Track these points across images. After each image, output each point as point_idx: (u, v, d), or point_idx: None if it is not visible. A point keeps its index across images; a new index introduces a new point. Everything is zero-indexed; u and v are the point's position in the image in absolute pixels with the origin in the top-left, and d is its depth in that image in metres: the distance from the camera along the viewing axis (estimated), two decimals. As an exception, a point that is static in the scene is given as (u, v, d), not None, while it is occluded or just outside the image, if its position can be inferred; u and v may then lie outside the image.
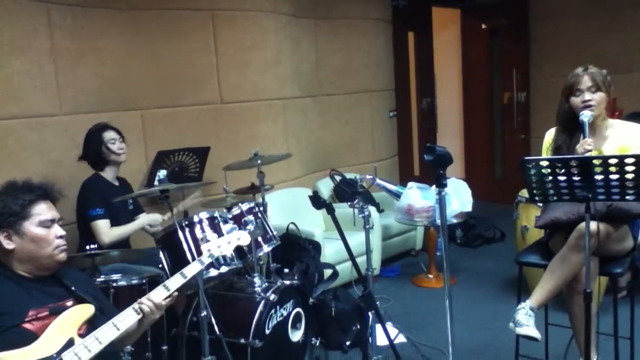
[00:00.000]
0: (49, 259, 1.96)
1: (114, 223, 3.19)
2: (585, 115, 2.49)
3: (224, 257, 2.70)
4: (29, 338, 1.80)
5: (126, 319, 1.91)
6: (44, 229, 1.95)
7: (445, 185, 2.04)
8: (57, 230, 1.98)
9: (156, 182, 2.99)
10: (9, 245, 1.91)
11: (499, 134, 7.07)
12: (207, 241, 2.46)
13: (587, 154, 2.37)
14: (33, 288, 1.93)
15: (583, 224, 2.23)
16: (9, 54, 3.22)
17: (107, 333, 1.85)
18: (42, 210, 1.96)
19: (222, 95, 4.30)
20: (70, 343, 1.82)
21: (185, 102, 4.17)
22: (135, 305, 1.97)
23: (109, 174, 3.30)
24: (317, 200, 2.62)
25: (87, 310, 1.95)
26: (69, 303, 1.96)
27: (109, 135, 3.25)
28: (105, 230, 3.12)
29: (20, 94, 3.29)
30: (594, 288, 2.28)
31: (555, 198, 2.24)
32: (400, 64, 6.09)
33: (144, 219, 3.35)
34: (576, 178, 2.12)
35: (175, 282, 2.07)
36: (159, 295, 2.01)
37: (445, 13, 6.98)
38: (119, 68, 3.84)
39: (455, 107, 7.40)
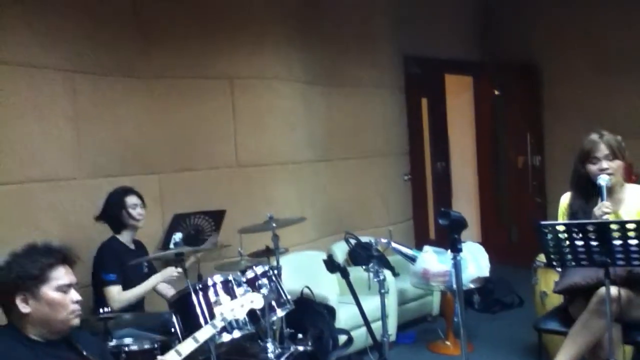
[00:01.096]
0: (62, 324, 1.94)
1: (128, 286, 3.18)
2: (604, 179, 2.49)
3: (236, 320, 2.67)
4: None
5: None
6: (61, 293, 1.94)
7: (461, 250, 2.02)
8: (74, 295, 1.98)
9: (172, 245, 3.00)
10: (24, 309, 1.89)
11: (514, 198, 7.02)
12: (220, 304, 2.43)
13: (605, 217, 2.35)
14: (43, 353, 1.90)
15: (603, 289, 2.19)
16: (30, 118, 3.31)
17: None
18: (61, 275, 1.95)
19: (238, 158, 4.37)
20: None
21: (202, 166, 4.24)
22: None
23: (125, 237, 3.32)
24: (331, 264, 2.61)
25: (96, 374, 1.92)
26: (79, 367, 1.93)
27: (131, 200, 3.30)
28: (116, 296, 3.12)
29: (40, 158, 3.36)
30: (618, 357, 2.21)
31: (573, 263, 2.21)
32: (413, 128, 6.17)
33: (156, 276, 3.30)
34: (594, 243, 2.11)
35: (188, 346, 2.05)
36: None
37: (458, 80, 7.12)
38: (138, 133, 3.94)
39: (469, 171, 7.42)
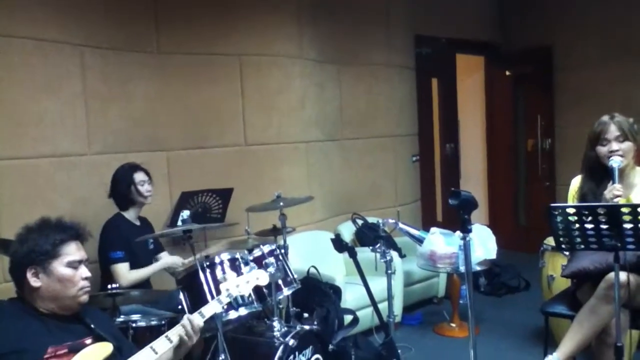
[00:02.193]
0: (72, 300, 1.96)
1: (134, 263, 3.20)
2: (615, 162, 2.46)
3: (242, 297, 2.67)
4: (48, 375, 1.78)
5: (145, 358, 1.90)
6: (72, 269, 1.95)
7: (470, 231, 2.01)
8: (84, 271, 1.99)
9: (179, 223, 3.00)
10: (35, 282, 1.91)
11: (523, 181, 7.00)
12: (226, 280, 2.43)
13: (616, 200, 2.33)
14: (53, 325, 1.93)
15: (612, 274, 2.17)
16: (41, 95, 3.32)
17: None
18: (72, 251, 1.97)
19: (246, 137, 4.36)
20: (88, 381, 1.81)
21: (210, 144, 4.23)
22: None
23: (131, 214, 3.33)
24: (339, 244, 2.60)
25: (105, 348, 1.94)
26: (88, 341, 1.95)
27: (139, 176, 3.30)
28: (124, 273, 3.13)
29: (51, 134, 3.37)
30: (625, 342, 2.20)
31: (582, 247, 2.19)
32: (423, 109, 6.12)
33: (164, 261, 3.35)
34: (604, 226, 2.08)
35: (197, 318, 2.07)
36: (195, 319, 2.04)
37: (469, 60, 7.04)
38: (147, 110, 3.93)
39: (479, 153, 7.37)
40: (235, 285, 2.32)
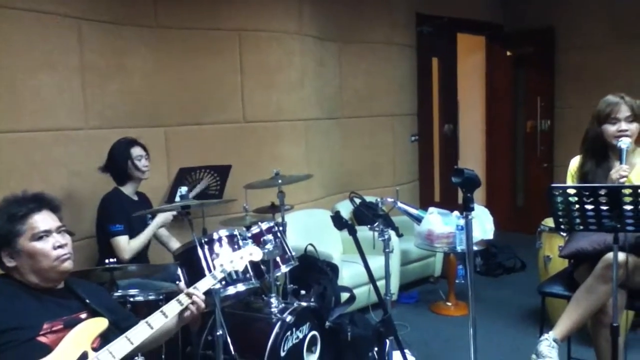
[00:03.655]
0: (52, 271, 1.91)
1: (131, 237, 3.19)
2: (624, 142, 2.44)
3: (237, 272, 2.67)
4: (43, 351, 1.78)
5: (141, 333, 1.89)
6: (39, 241, 1.88)
7: (473, 209, 2.00)
8: (56, 239, 1.91)
9: (177, 198, 2.99)
10: (10, 263, 1.88)
11: (521, 162, 7.00)
12: (219, 256, 2.43)
13: (622, 180, 2.32)
14: (47, 300, 1.91)
15: (610, 254, 2.18)
16: (38, 68, 3.28)
17: (121, 347, 1.83)
18: (36, 223, 1.89)
19: (245, 114, 4.33)
20: (84, 357, 1.81)
21: (209, 120, 4.20)
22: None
23: (128, 188, 3.31)
24: (339, 221, 2.59)
25: (100, 323, 1.93)
26: (83, 316, 1.94)
27: (136, 151, 3.27)
28: (125, 246, 3.13)
29: (48, 108, 3.34)
30: (620, 322, 2.21)
31: (581, 227, 2.19)
32: (423, 89, 6.08)
33: (156, 220, 3.28)
34: (604, 207, 2.08)
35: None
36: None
37: (470, 40, 6.98)
38: (145, 85, 3.89)
39: (477, 134, 7.35)
40: (229, 260, 2.32)
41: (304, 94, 4.63)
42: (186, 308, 2.04)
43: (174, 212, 3.31)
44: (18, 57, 3.18)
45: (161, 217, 3.30)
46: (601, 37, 5.97)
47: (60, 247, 1.91)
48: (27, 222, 1.89)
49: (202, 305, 2.07)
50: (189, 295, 2.05)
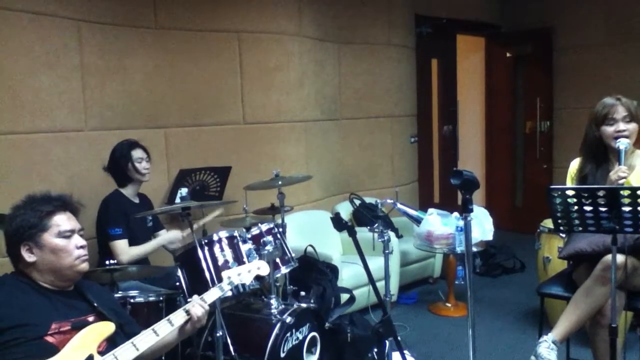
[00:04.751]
0: (70, 270, 1.95)
1: (132, 240, 3.20)
2: (622, 143, 2.45)
3: (243, 285, 2.68)
4: (50, 351, 1.79)
5: (146, 339, 1.90)
6: (64, 239, 1.94)
7: (472, 210, 2.00)
8: (78, 240, 1.98)
9: (178, 200, 3.00)
10: (30, 258, 1.91)
11: (520, 163, 7.01)
12: (228, 268, 2.45)
13: (621, 182, 2.33)
14: (57, 301, 1.93)
15: (609, 255, 2.18)
16: (38, 69, 3.28)
17: (127, 352, 1.84)
18: (61, 221, 1.96)
19: (245, 115, 4.34)
20: (90, 359, 1.81)
21: (209, 122, 4.20)
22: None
23: (129, 190, 3.31)
24: (339, 222, 2.60)
25: (108, 327, 1.94)
26: (91, 318, 1.96)
27: (137, 153, 3.28)
28: (124, 250, 3.12)
29: (47, 109, 3.34)
30: (619, 323, 2.22)
31: (580, 229, 2.20)
32: (423, 90, 6.09)
33: (164, 237, 3.35)
34: (603, 209, 2.09)
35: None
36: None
37: (470, 40, 6.99)
38: (145, 86, 3.90)
39: (477, 135, 7.37)
40: (237, 273, 2.34)
41: (303, 95, 4.64)
42: (189, 320, 2.04)
43: (184, 234, 3.33)
44: (18, 59, 3.18)
45: (170, 235, 3.32)
46: (600, 38, 5.98)
47: (81, 247, 1.98)
48: (53, 219, 1.95)
49: (204, 321, 2.09)
50: (196, 306, 2.05)
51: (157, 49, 3.94)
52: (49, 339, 1.82)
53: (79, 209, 2.07)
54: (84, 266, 1.99)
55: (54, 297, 1.94)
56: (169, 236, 3.34)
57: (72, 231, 1.97)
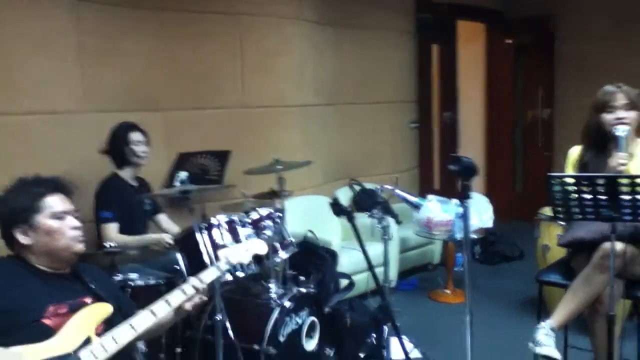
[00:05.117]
0: (66, 251, 1.95)
1: (128, 222, 3.18)
2: (623, 130, 2.44)
3: (241, 265, 2.68)
4: (47, 334, 1.79)
5: (144, 320, 1.90)
6: (58, 220, 1.93)
7: (470, 197, 2.00)
8: (72, 221, 1.97)
9: (177, 184, 2.99)
10: (25, 240, 1.91)
11: (521, 151, 7.00)
12: (225, 247, 2.44)
13: (621, 169, 2.33)
14: (53, 283, 1.93)
15: (608, 243, 2.19)
16: (35, 50, 3.25)
17: (124, 333, 1.84)
18: (54, 203, 1.95)
19: (244, 99, 4.31)
20: (87, 341, 1.81)
21: (208, 105, 4.18)
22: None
23: (127, 173, 3.30)
24: (337, 207, 2.60)
25: (105, 309, 1.94)
26: (88, 300, 1.95)
27: (135, 136, 3.26)
28: (111, 234, 3.11)
29: (44, 91, 3.32)
30: (617, 311, 2.23)
31: (579, 217, 2.20)
32: (423, 76, 6.06)
33: (152, 236, 3.26)
34: (602, 197, 2.09)
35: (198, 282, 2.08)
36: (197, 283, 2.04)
37: (471, 27, 6.94)
38: (144, 68, 3.86)
39: (477, 122, 7.34)
40: (235, 252, 2.32)
41: (303, 79, 4.61)
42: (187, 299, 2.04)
43: (171, 241, 3.16)
44: (13, 39, 3.15)
45: (158, 237, 3.21)
46: (602, 25, 5.94)
47: (75, 228, 1.97)
48: (46, 201, 1.94)
49: (205, 297, 2.08)
50: (195, 287, 2.04)
51: (156, 31, 3.90)
52: (46, 321, 1.82)
53: (72, 190, 2.06)
54: (80, 247, 1.98)
55: (50, 279, 1.93)
56: (156, 237, 3.25)
57: (66, 212, 1.96)
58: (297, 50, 4.53)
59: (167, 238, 3.24)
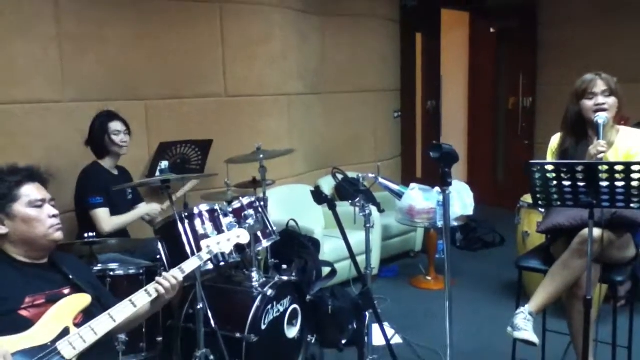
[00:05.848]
0: (44, 239, 1.93)
1: (113, 212, 3.17)
2: (601, 117, 2.47)
3: (222, 254, 2.68)
4: (24, 325, 1.78)
5: (124, 310, 1.89)
6: (35, 209, 1.92)
7: (450, 184, 2.01)
8: (49, 210, 1.96)
9: (158, 173, 2.97)
10: (2, 229, 1.89)
11: (502, 139, 7.05)
12: (207, 237, 2.44)
13: (600, 156, 2.36)
14: (30, 274, 1.91)
15: (586, 230, 2.21)
16: (13, 38, 3.20)
17: (103, 324, 1.83)
18: (31, 191, 1.94)
19: (227, 88, 4.28)
20: (65, 332, 1.80)
21: (190, 94, 4.14)
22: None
23: (108, 163, 3.27)
24: (318, 196, 2.60)
25: (84, 299, 1.93)
26: (66, 291, 1.94)
27: (114, 125, 3.23)
28: (106, 218, 3.10)
29: (23, 79, 3.27)
30: (594, 295, 2.26)
31: (559, 203, 2.22)
32: (406, 64, 6.06)
33: (143, 209, 3.34)
34: (581, 184, 2.11)
35: (177, 273, 2.07)
36: (176, 274, 2.04)
37: (454, 15, 6.96)
38: (125, 56, 3.81)
39: (460, 110, 7.38)
40: (216, 242, 2.32)
41: (286, 67, 4.59)
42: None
43: (163, 207, 3.33)
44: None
45: (149, 208, 3.33)
46: (585, 13, 5.97)
47: (53, 216, 1.96)
48: (22, 189, 1.93)
49: (174, 292, 2.06)
50: (167, 279, 2.03)
51: (137, 18, 3.85)
52: (23, 312, 1.81)
53: (48, 179, 2.05)
54: (58, 235, 1.97)
55: (28, 270, 1.92)
56: (148, 208, 3.34)
57: (43, 200, 1.95)
58: (280, 37, 4.50)
59: (158, 206, 3.28)
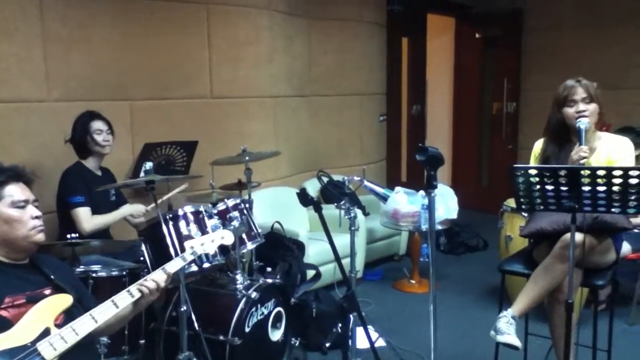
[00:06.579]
0: (25, 241, 1.91)
1: (95, 213, 3.14)
2: (583, 123, 2.51)
3: (206, 255, 2.67)
4: (4, 325, 1.75)
5: (106, 311, 1.87)
6: (18, 209, 1.90)
7: (436, 187, 2.02)
8: (32, 211, 1.93)
9: (142, 174, 2.95)
10: None
11: (486, 144, 7.10)
12: (191, 238, 2.43)
13: (582, 161, 2.39)
14: (11, 274, 1.89)
15: (568, 234, 2.24)
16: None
17: (85, 324, 1.81)
18: (14, 191, 1.91)
19: (212, 90, 4.27)
20: (46, 333, 1.78)
21: (175, 95, 4.12)
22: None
23: (91, 163, 3.24)
24: (304, 198, 2.60)
25: (65, 300, 1.91)
26: (47, 291, 1.92)
27: (96, 125, 3.20)
28: (87, 217, 3.06)
29: (7, 78, 3.23)
30: (575, 299, 2.29)
31: (541, 207, 2.24)
32: (392, 68, 6.09)
33: (127, 209, 3.30)
34: (564, 188, 2.13)
35: (158, 277, 2.05)
36: (159, 277, 2.02)
37: (440, 20, 7.01)
38: (110, 56, 3.78)
39: (445, 115, 7.43)
40: (200, 243, 2.31)
41: (272, 70, 4.58)
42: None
43: (148, 208, 3.29)
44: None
45: (133, 208, 3.28)
46: (569, 20, 6.06)
47: (36, 218, 1.93)
48: (5, 190, 1.90)
49: (157, 294, 2.05)
50: (155, 280, 2.02)
51: (123, 18, 3.83)
52: (3, 312, 1.78)
53: (32, 179, 2.03)
54: (40, 237, 1.94)
55: (8, 270, 1.89)
56: (132, 208, 3.30)
57: (26, 201, 1.93)
58: (267, 40, 4.50)
59: (142, 207, 3.24)
